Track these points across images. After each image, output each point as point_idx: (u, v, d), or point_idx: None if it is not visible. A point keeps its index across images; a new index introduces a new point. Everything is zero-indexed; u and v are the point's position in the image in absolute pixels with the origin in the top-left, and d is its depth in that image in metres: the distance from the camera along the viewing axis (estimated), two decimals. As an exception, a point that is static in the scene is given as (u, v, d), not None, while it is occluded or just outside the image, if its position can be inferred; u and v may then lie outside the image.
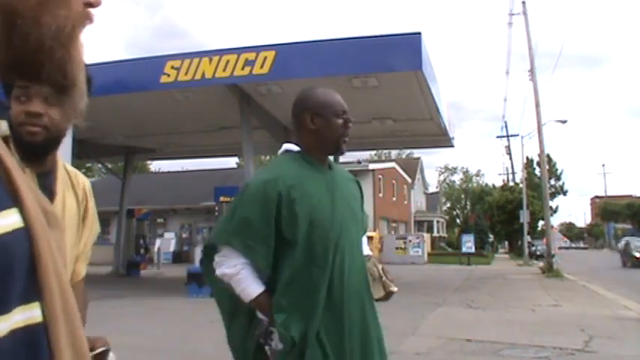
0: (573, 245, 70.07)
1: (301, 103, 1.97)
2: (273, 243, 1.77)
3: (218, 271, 1.82)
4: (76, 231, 1.40)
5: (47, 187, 1.31)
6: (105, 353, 1.35)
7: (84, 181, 1.48)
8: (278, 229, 1.78)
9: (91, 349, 1.37)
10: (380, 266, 1.92)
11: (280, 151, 2.00)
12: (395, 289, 1.91)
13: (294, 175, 1.84)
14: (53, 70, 0.62)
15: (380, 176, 32.02)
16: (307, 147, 1.91)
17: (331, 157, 2.03)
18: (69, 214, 1.37)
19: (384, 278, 1.90)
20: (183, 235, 28.07)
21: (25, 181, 0.58)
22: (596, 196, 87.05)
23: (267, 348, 1.78)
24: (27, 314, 0.54)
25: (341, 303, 1.78)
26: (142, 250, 19.37)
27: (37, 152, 1.30)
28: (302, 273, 1.77)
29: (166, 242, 26.58)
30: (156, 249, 22.19)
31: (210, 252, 1.92)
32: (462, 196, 68.00)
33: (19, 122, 1.24)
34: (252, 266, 1.80)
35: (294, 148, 1.95)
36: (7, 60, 0.59)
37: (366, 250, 2.04)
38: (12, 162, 0.57)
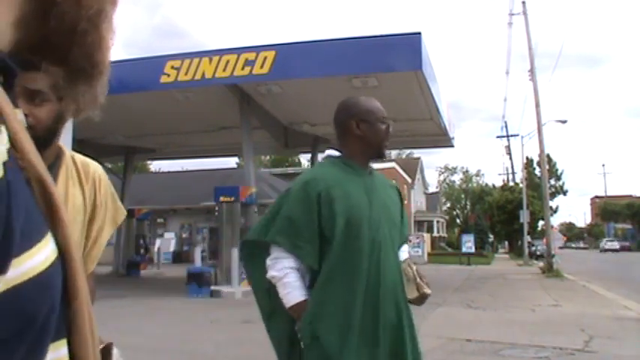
0: (573, 245, 70.15)
1: (346, 110, 2.04)
2: (318, 241, 1.86)
3: (268, 274, 1.91)
4: (81, 228, 1.37)
5: None
6: (108, 348, 1.35)
7: (94, 170, 1.44)
8: (319, 227, 1.87)
9: None
10: (414, 267, 1.96)
11: (322, 156, 2.13)
12: (428, 291, 1.93)
13: (334, 176, 1.95)
14: (82, 55, 0.57)
15: None
16: (351, 152, 2.01)
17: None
18: (72, 210, 1.35)
19: (418, 279, 1.93)
20: (183, 235, 28.07)
21: (56, 190, 0.50)
22: (596, 196, 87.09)
23: (302, 344, 1.87)
24: (55, 354, 0.45)
25: (377, 301, 1.84)
26: (142, 250, 19.36)
27: None
28: (339, 270, 1.85)
29: (166, 242, 26.57)
30: (156, 249, 22.18)
31: (248, 248, 2.03)
32: (462, 196, 68.03)
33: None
34: (299, 271, 1.88)
35: (336, 153, 2.05)
36: (36, 40, 0.53)
37: (405, 254, 2.11)
38: (44, 169, 0.49)
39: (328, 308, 1.82)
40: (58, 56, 0.57)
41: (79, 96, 0.68)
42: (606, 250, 50.95)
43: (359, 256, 1.85)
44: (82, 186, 1.39)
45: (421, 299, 1.94)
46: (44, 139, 1.28)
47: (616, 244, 52.87)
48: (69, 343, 0.47)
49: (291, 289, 1.85)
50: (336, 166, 2.00)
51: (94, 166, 1.45)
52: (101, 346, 1.34)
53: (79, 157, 1.43)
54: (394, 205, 2.06)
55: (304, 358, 1.84)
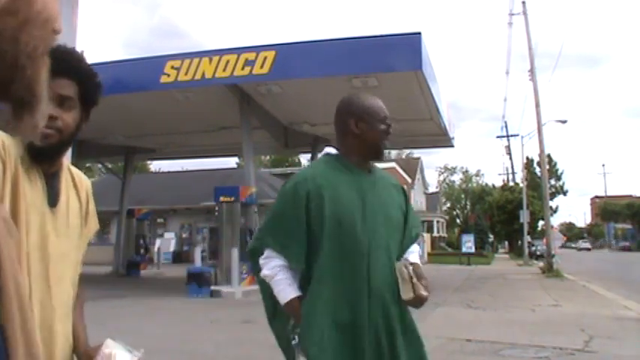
0: (572, 245, 70.20)
1: (346, 108, 2.01)
2: (306, 241, 1.86)
3: (261, 273, 1.93)
4: (79, 231, 1.43)
5: (54, 188, 1.34)
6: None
7: (86, 183, 1.52)
8: (309, 227, 1.86)
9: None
10: (411, 268, 1.88)
11: (321, 154, 2.08)
12: (425, 293, 1.85)
13: (325, 176, 1.92)
14: (23, 87, 0.65)
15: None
16: (348, 151, 1.98)
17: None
18: (72, 214, 1.40)
19: (414, 280, 1.85)
20: (183, 235, 28.06)
21: None
22: (596, 196, 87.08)
23: (293, 343, 1.88)
24: None
25: (363, 303, 1.82)
26: (142, 250, 19.35)
27: (50, 154, 1.33)
28: (327, 271, 1.83)
29: (166, 242, 26.56)
30: (156, 249, 22.17)
31: (254, 256, 2.02)
32: (462, 196, 68.02)
33: None
34: (292, 268, 1.89)
35: (334, 151, 2.03)
36: None
37: (413, 255, 2.04)
38: None
39: (315, 309, 1.82)
40: (2, 91, 0.64)
41: (22, 125, 0.75)
42: (581, 249, 60.77)
43: (347, 258, 1.83)
44: (78, 193, 1.46)
45: (417, 301, 1.86)
46: (67, 143, 1.35)
47: (588, 244, 66.82)
48: None
49: (283, 287, 1.87)
50: (330, 164, 1.98)
51: (86, 179, 1.53)
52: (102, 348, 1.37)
53: (73, 168, 1.51)
54: (395, 206, 2.00)
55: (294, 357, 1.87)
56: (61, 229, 1.33)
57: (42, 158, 1.32)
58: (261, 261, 1.92)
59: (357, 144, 1.96)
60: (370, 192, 1.93)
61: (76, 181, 1.46)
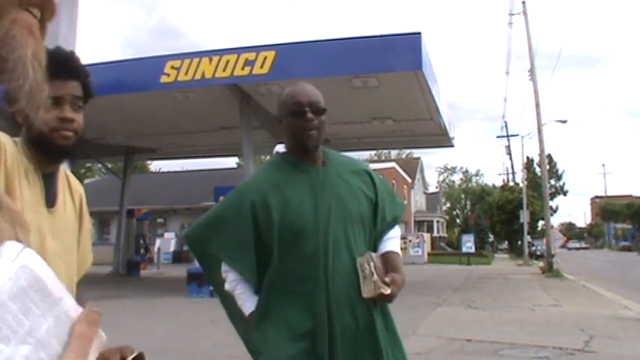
0: (570, 245, 70.36)
1: (278, 105, 1.92)
2: (254, 252, 1.79)
3: (225, 288, 1.87)
4: (74, 233, 1.45)
5: (51, 189, 1.36)
6: (140, 357, 1.35)
7: (80, 188, 1.54)
8: (260, 238, 1.79)
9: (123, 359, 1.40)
10: (373, 263, 1.74)
11: (274, 152, 1.98)
12: (386, 291, 1.70)
13: (271, 180, 1.83)
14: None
15: (380, 176, 31.98)
16: (288, 148, 1.89)
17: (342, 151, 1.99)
18: (69, 216, 1.42)
19: (374, 277, 1.71)
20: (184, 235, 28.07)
21: None
22: (596, 196, 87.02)
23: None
24: None
25: (325, 307, 1.71)
26: (142, 250, 19.37)
27: (68, 155, 1.37)
28: (280, 280, 1.76)
29: (166, 242, 26.57)
30: (156, 249, 22.19)
31: (190, 246, 1.99)
32: (462, 196, 68.01)
33: (52, 127, 1.31)
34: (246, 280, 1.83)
35: (283, 149, 1.93)
36: None
37: (391, 242, 1.91)
38: None
39: (268, 321, 1.75)
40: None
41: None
42: (570, 249, 61.57)
43: (301, 263, 1.74)
44: (73, 196, 1.48)
45: (381, 299, 1.72)
46: (80, 143, 1.39)
47: (577, 244, 69.92)
48: None
49: (243, 301, 1.81)
50: (277, 165, 1.89)
51: (78, 183, 1.54)
52: (133, 356, 1.35)
53: (68, 172, 1.53)
54: (355, 196, 1.84)
55: None
56: (59, 230, 1.34)
57: (61, 159, 1.37)
58: (223, 274, 1.87)
59: (287, 140, 1.87)
60: (323, 187, 1.80)
61: (71, 185, 1.48)
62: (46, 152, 1.32)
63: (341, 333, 1.71)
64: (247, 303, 1.80)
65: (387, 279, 1.72)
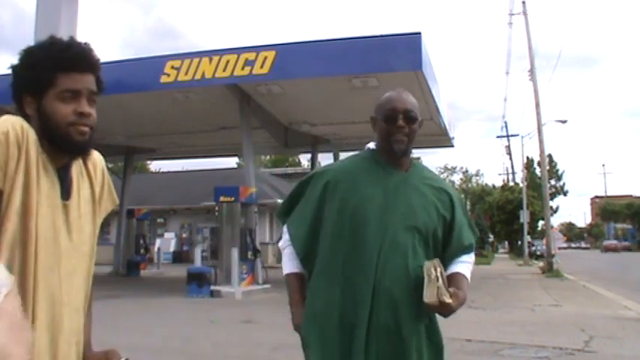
0: (572, 245, 70.39)
1: (375, 107, 1.99)
2: (310, 226, 1.88)
3: (279, 244, 2.03)
4: (91, 219, 1.41)
5: (65, 182, 1.32)
6: None
7: (100, 162, 1.48)
8: (320, 219, 1.87)
9: None
10: (440, 269, 1.74)
11: (365, 147, 2.06)
12: (448, 300, 1.68)
13: (349, 169, 1.93)
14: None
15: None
16: (378, 147, 1.97)
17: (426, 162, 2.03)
18: (84, 204, 1.37)
19: (439, 283, 1.70)
20: (183, 235, 28.06)
21: None
22: (596, 196, 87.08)
23: None
24: None
25: (367, 302, 1.75)
26: (142, 250, 19.34)
27: (86, 150, 1.33)
28: (333, 266, 1.82)
29: (166, 242, 26.57)
30: (156, 249, 22.17)
31: (279, 218, 2.12)
32: (462, 196, 67.95)
33: (69, 122, 1.27)
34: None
35: (373, 146, 2.01)
36: None
37: (459, 266, 1.91)
38: None
39: (313, 301, 1.84)
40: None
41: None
42: (560, 248, 62.07)
43: (354, 255, 1.78)
44: (91, 177, 1.42)
45: (440, 308, 1.70)
46: (94, 138, 1.34)
47: (564, 244, 66.86)
48: None
49: (285, 260, 1.95)
50: (360, 158, 1.97)
51: (96, 156, 1.47)
52: None
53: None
54: (427, 208, 1.86)
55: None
56: (74, 221, 1.31)
57: (76, 155, 1.33)
58: (282, 234, 2.01)
59: (377, 140, 1.94)
60: (397, 190, 1.85)
61: (89, 165, 1.42)
62: (60, 147, 1.28)
63: (379, 330, 1.74)
64: (289, 264, 1.94)
65: (450, 289, 1.73)
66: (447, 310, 1.72)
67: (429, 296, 1.69)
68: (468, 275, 1.92)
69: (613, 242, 59.42)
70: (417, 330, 1.79)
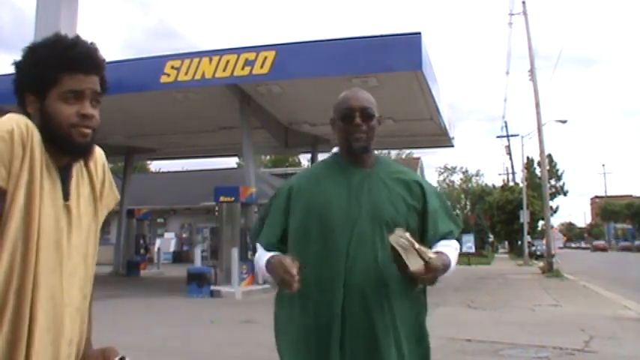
0: (572, 245, 70.59)
1: (333, 108, 1.98)
2: (284, 234, 1.88)
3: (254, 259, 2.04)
4: (92, 218, 1.39)
5: (65, 182, 1.30)
6: None
7: (100, 157, 1.45)
8: (286, 220, 1.88)
9: None
10: (408, 234, 1.64)
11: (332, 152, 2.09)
12: (431, 254, 1.61)
13: (312, 174, 1.97)
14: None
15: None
16: (339, 149, 1.98)
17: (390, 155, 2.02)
18: (84, 203, 1.36)
19: (416, 246, 1.61)
20: (183, 235, 28.07)
21: None
22: (596, 196, 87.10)
23: None
24: None
25: (339, 303, 1.74)
26: (142, 250, 19.34)
27: (84, 153, 1.31)
28: (304, 268, 1.77)
29: (166, 242, 26.56)
30: (156, 249, 22.17)
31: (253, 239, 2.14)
32: (462, 196, 68.00)
33: (71, 123, 1.25)
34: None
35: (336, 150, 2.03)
36: None
37: (440, 247, 1.82)
38: None
39: (287, 305, 1.85)
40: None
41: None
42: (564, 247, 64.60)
43: (323, 255, 1.77)
44: (91, 175, 1.40)
45: (427, 272, 1.60)
46: (95, 140, 1.32)
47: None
48: None
49: (258, 258, 1.89)
50: (325, 164, 1.98)
51: (99, 151, 1.45)
52: (116, 358, 1.34)
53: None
54: (394, 201, 1.84)
55: None
56: (74, 221, 1.30)
57: (77, 157, 1.31)
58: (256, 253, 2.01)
59: (338, 141, 1.94)
60: (360, 188, 1.84)
61: (89, 162, 1.40)
62: (62, 148, 1.26)
63: (352, 328, 1.74)
64: (262, 257, 1.86)
65: (427, 252, 1.65)
66: (432, 272, 1.64)
67: (413, 264, 1.58)
68: (450, 253, 1.83)
69: (602, 242, 65.42)
70: (392, 325, 1.76)
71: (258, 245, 1.95)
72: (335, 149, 2.03)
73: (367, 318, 1.74)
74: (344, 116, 1.87)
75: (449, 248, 1.85)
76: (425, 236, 1.86)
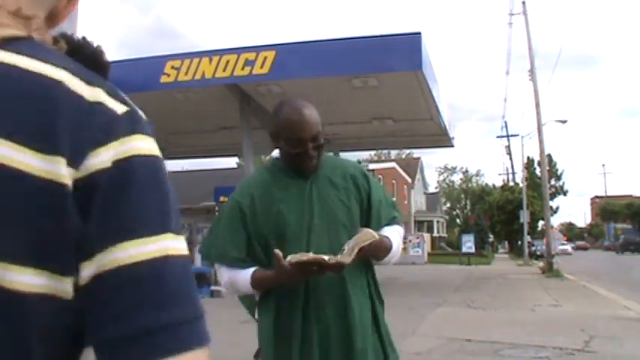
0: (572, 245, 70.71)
1: (272, 114, 1.90)
2: (245, 247, 1.81)
3: (222, 287, 1.96)
4: None
5: None
6: None
7: None
8: (248, 236, 1.81)
9: None
10: (354, 242, 1.67)
11: (271, 155, 2.01)
12: (346, 260, 1.63)
13: (262, 184, 1.88)
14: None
15: (380, 176, 32.04)
16: (284, 163, 1.90)
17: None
18: None
19: (344, 250, 1.66)
20: (183, 235, 28.08)
21: None
22: (596, 196, 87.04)
23: None
24: None
25: (300, 313, 1.75)
26: (142, 250, 19.36)
27: None
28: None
29: (166, 242, 26.51)
30: (156, 249, 22.17)
31: (206, 259, 2.05)
32: (462, 196, 68.02)
33: None
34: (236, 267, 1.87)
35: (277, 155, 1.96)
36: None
37: (386, 232, 1.86)
38: None
39: (264, 320, 1.84)
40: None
41: None
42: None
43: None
44: None
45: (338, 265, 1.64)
46: None
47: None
48: None
49: (238, 277, 1.80)
50: (268, 172, 1.94)
51: None
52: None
53: None
54: (343, 200, 1.84)
55: None
56: None
57: None
58: (219, 277, 1.92)
59: (283, 158, 1.88)
60: (310, 193, 1.82)
61: None
62: None
63: (319, 336, 1.74)
64: (242, 274, 1.79)
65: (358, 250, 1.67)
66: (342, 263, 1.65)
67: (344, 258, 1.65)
68: (394, 238, 1.86)
69: (582, 242, 72.49)
70: (354, 330, 1.76)
71: (218, 267, 1.87)
72: (276, 152, 1.95)
73: (334, 322, 1.75)
74: (294, 146, 1.78)
75: (394, 233, 1.90)
76: (370, 222, 1.86)
